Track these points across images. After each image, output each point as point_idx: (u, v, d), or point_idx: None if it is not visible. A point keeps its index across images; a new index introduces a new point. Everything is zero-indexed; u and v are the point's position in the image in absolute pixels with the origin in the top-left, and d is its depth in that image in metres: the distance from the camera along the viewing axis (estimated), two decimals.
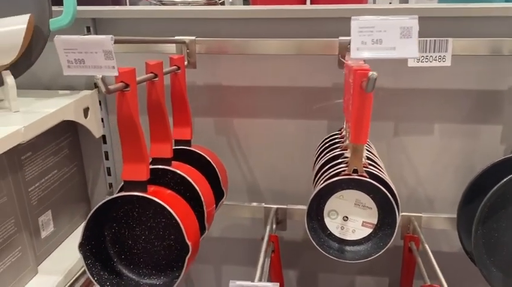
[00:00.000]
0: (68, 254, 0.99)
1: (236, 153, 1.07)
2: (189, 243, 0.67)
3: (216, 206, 0.88)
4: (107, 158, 1.09)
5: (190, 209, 0.73)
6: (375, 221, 0.66)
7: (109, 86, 0.55)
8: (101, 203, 0.68)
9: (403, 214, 0.96)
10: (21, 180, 0.88)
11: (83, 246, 0.70)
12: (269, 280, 0.99)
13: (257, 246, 0.88)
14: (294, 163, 1.05)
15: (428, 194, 1.02)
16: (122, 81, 0.60)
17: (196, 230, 0.72)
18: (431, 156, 0.99)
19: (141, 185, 0.67)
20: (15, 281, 0.86)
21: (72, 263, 0.97)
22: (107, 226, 0.75)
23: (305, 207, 0.99)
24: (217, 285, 1.20)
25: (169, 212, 0.66)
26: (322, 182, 0.67)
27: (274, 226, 1.01)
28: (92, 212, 0.69)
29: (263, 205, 1.02)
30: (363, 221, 0.65)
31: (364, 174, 0.64)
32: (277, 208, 1.01)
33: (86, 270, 0.70)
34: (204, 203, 0.78)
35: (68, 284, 0.94)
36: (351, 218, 0.66)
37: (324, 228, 0.69)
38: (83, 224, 0.69)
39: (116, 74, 0.55)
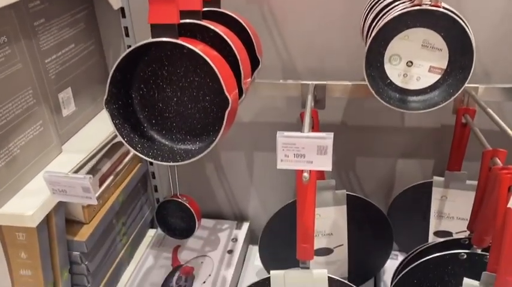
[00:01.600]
0: (92, 135, 0.94)
1: (270, 25, 0.96)
2: (229, 96, 0.59)
3: (252, 75, 0.80)
4: (127, 35, 1.00)
5: (227, 64, 0.64)
6: (444, 65, 0.56)
7: None
8: (126, 52, 0.60)
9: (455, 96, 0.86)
10: (36, 49, 0.80)
11: (109, 103, 0.62)
12: None
13: (292, 130, 0.81)
14: (333, 35, 0.94)
15: (485, 66, 0.92)
16: None
17: (235, 85, 0.64)
18: (492, 20, 0.87)
19: (171, 30, 0.58)
20: (39, 157, 0.81)
21: (97, 142, 0.91)
22: (134, 88, 0.67)
23: (348, 82, 0.91)
24: (249, 173, 1.14)
25: (203, 68, 0.58)
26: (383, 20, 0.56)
27: (312, 104, 0.93)
28: (116, 64, 0.61)
29: (300, 81, 0.93)
30: (430, 66, 0.56)
31: (439, 3, 0.54)
32: (316, 85, 0.92)
33: (115, 130, 0.63)
34: (240, 63, 0.69)
35: (95, 161, 0.89)
36: (416, 63, 0.56)
37: (384, 76, 0.60)
38: (108, 80, 0.62)
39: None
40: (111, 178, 0.73)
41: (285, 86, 0.94)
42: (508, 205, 0.57)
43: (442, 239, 0.82)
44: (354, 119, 1.03)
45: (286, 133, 0.55)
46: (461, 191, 0.97)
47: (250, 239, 1.20)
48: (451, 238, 0.81)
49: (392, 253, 1.05)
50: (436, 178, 0.98)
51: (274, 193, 1.16)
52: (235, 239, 1.14)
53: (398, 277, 0.79)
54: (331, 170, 0.55)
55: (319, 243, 0.99)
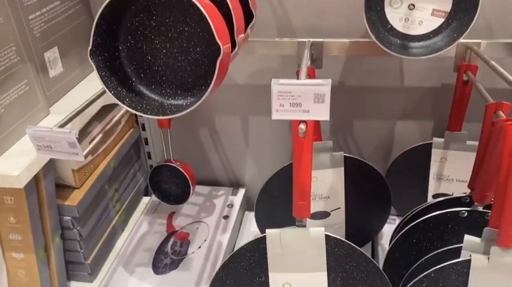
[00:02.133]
0: (81, 98, 0.89)
1: None
2: (221, 43, 0.56)
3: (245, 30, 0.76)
4: None
5: (219, 13, 0.61)
6: (448, 7, 0.53)
7: None
8: None
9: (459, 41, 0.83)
10: (19, 3, 0.76)
11: (94, 54, 0.59)
12: None
13: None
14: None
15: (489, 21, 0.88)
16: None
17: (227, 35, 0.60)
18: None
19: None
20: (25, 117, 0.78)
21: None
22: (121, 40, 0.63)
23: (346, 40, 0.87)
24: (245, 138, 1.12)
25: (193, 17, 0.54)
26: None
27: (308, 62, 0.89)
28: (100, 10, 0.57)
29: (296, 39, 0.90)
30: (433, 9, 0.53)
31: None
32: (313, 42, 0.88)
33: (101, 83, 0.60)
34: (232, 12, 0.65)
35: (85, 123, 0.87)
36: (418, 6, 0.53)
37: (384, 21, 0.57)
38: (92, 29, 0.58)
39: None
40: (100, 136, 0.71)
41: (281, 44, 0.91)
42: None
43: (441, 199, 0.80)
44: (351, 80, 1.00)
45: (281, 80, 0.52)
46: (461, 152, 0.95)
47: (246, 205, 1.18)
48: (450, 196, 0.79)
49: (390, 217, 1.04)
50: (435, 139, 0.95)
51: (271, 159, 1.13)
52: (231, 205, 1.12)
53: (397, 237, 0.77)
54: (328, 119, 0.52)
55: (316, 206, 0.97)
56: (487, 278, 0.64)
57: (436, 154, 0.97)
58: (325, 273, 0.68)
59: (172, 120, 1.09)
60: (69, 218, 0.89)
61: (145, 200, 1.19)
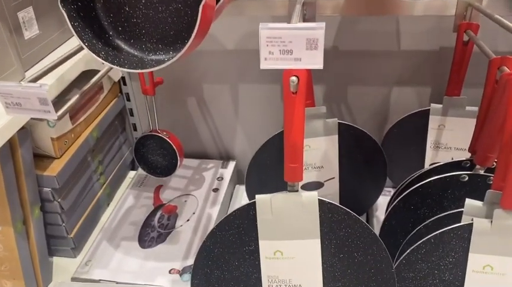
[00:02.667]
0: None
1: None
2: None
3: None
4: None
5: None
6: None
7: None
8: None
9: None
10: None
11: (65, 2, 0.54)
12: None
13: None
14: None
15: None
16: None
17: None
18: None
19: None
20: None
21: (64, 69, 0.83)
22: None
23: None
24: (235, 108, 1.07)
25: None
26: None
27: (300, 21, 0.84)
28: None
29: None
30: None
31: None
32: (305, 0, 0.83)
33: (74, 33, 0.54)
34: None
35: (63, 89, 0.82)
36: None
37: None
38: None
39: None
40: (77, 97, 0.66)
41: (271, 4, 0.85)
42: None
43: (440, 163, 0.76)
44: (346, 43, 0.95)
45: (270, 24, 0.47)
46: (460, 118, 0.91)
47: (237, 178, 1.14)
48: (450, 161, 0.75)
49: (385, 189, 1.00)
50: (433, 105, 0.91)
51: (262, 130, 1.09)
52: (220, 178, 1.08)
53: (393, 204, 0.73)
54: (322, 67, 0.48)
55: (309, 177, 0.93)
56: (489, 242, 0.60)
57: (433, 121, 0.93)
58: (319, 240, 0.64)
59: (159, 91, 1.04)
60: (49, 189, 0.84)
61: (132, 174, 1.15)
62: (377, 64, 0.96)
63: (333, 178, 0.94)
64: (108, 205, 1.06)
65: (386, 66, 0.96)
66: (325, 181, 0.94)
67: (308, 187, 0.94)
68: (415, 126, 0.95)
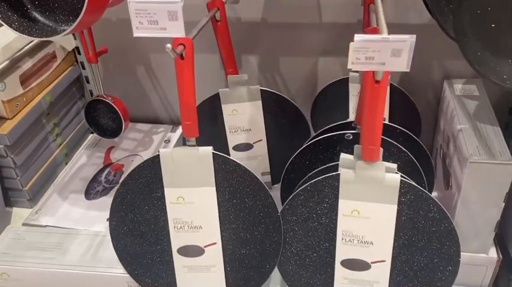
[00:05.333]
0: None
1: None
2: None
3: None
4: None
5: None
6: None
7: None
8: None
9: None
10: None
11: None
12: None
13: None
14: None
15: None
16: None
17: None
18: None
19: None
20: None
21: (10, 38, 0.93)
22: None
23: None
24: None
25: None
26: None
27: None
28: None
29: None
30: None
31: None
32: None
33: None
34: None
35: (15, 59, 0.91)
36: None
37: None
38: None
39: None
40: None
41: None
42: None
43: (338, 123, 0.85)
44: (274, 16, 1.03)
45: None
46: None
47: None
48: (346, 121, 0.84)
49: None
50: (352, 74, 0.99)
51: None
52: (168, 141, 1.18)
53: (291, 159, 0.83)
54: (184, 35, 0.57)
55: (239, 138, 1.03)
56: (354, 190, 0.70)
57: (353, 88, 1.01)
58: (214, 188, 0.74)
59: (111, 59, 1.13)
60: (2, 146, 0.95)
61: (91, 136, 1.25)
62: (303, 36, 1.04)
63: (261, 140, 1.03)
64: (67, 163, 1.17)
65: (311, 37, 1.04)
66: (254, 143, 1.04)
67: (239, 148, 1.04)
68: (338, 94, 1.03)
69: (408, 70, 0.55)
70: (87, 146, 1.18)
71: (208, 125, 1.02)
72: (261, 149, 1.04)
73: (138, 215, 0.78)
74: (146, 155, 1.14)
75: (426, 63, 1.02)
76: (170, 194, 0.76)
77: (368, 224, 0.71)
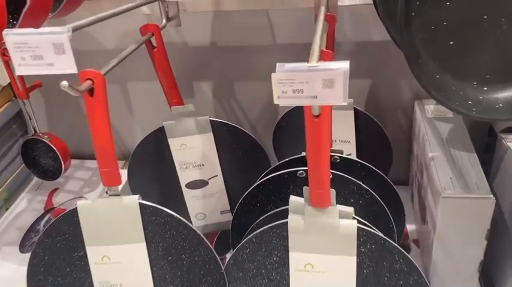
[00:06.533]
0: None
1: None
2: None
3: None
4: None
5: None
6: None
7: None
8: None
9: None
10: None
11: None
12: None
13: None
14: None
15: None
16: None
17: None
18: None
19: None
20: None
21: None
22: None
23: None
24: (128, 107, 1.06)
25: None
26: None
27: (164, 21, 0.83)
28: None
29: None
30: None
31: None
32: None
33: None
34: None
35: None
36: None
37: None
38: None
39: None
40: None
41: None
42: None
43: (291, 158, 0.74)
44: (223, 39, 0.93)
45: (15, 30, 0.46)
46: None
47: None
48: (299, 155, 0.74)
49: None
50: None
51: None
52: None
53: (240, 202, 0.72)
54: (75, 71, 0.47)
55: (191, 175, 0.92)
56: (305, 241, 0.59)
57: None
58: (144, 244, 0.63)
59: (53, 93, 1.03)
60: None
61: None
62: (256, 59, 0.94)
63: (216, 175, 0.93)
64: (7, 209, 1.06)
65: (265, 60, 0.94)
66: (209, 179, 0.93)
67: (193, 185, 0.93)
68: (301, 119, 0.93)
69: (345, 103, 0.45)
70: (30, 189, 1.07)
71: (156, 162, 0.92)
72: (218, 185, 0.94)
73: (59, 278, 0.67)
74: (93, 196, 1.02)
75: (394, 82, 0.92)
76: (93, 254, 0.64)
77: (325, 279, 0.60)
